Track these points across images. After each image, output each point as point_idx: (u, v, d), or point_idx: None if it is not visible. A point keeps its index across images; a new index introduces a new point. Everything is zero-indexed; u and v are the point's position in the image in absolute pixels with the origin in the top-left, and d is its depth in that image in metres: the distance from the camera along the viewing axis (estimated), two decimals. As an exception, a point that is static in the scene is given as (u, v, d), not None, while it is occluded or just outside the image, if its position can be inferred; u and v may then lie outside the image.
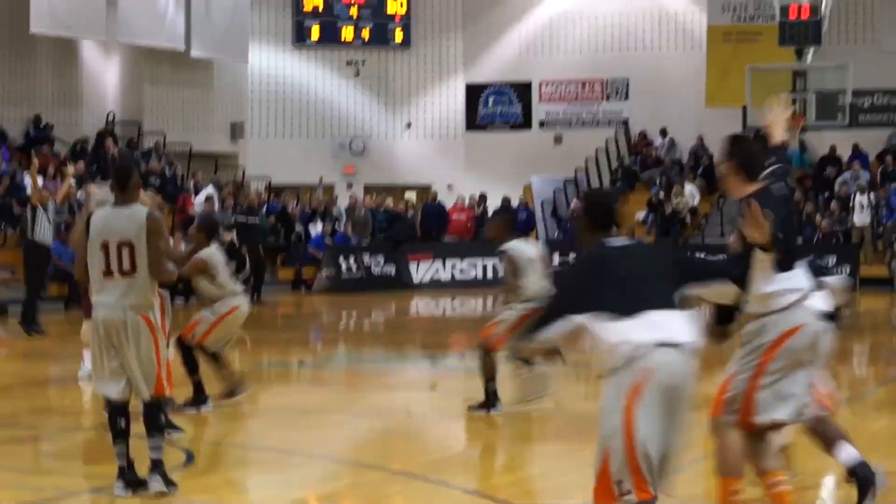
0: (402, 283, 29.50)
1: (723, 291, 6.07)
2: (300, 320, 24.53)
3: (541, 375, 11.41)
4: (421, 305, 26.70)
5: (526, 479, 9.23)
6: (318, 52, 35.84)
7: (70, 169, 19.58)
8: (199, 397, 11.42)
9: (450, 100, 36.47)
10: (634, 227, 30.49)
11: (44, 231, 18.68)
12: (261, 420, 11.96)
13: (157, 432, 8.02)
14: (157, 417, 8.07)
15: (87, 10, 27.15)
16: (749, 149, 6.69)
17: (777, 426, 6.65)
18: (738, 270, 6.17)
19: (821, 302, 6.68)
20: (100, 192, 11.00)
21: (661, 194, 31.84)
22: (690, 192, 31.63)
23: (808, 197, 30.94)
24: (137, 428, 8.03)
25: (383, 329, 23.10)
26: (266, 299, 26.41)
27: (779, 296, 6.48)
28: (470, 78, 36.35)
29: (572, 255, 21.47)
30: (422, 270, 30.20)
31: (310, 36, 35.58)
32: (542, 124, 35.83)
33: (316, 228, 30.30)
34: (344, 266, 29.18)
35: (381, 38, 35.83)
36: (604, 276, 5.77)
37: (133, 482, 7.95)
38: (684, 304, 5.84)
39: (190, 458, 9.30)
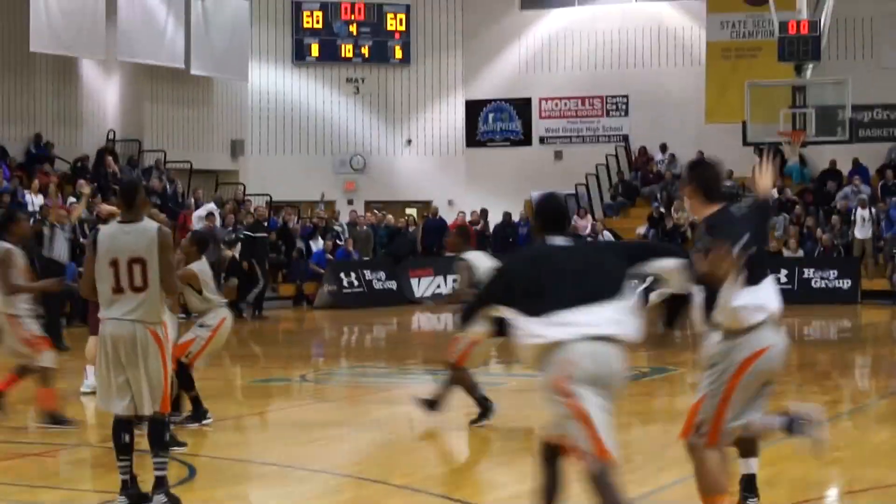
0: (403, 299, 29.53)
1: (672, 268, 6.54)
2: (302, 335, 24.56)
3: None
4: (422, 320, 26.71)
5: (528, 493, 9.21)
6: (317, 69, 35.90)
7: (86, 189, 19.71)
8: (198, 412, 11.46)
9: (450, 116, 36.52)
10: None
11: (60, 249, 18.87)
12: (263, 434, 11.98)
13: (162, 450, 8.00)
14: (161, 434, 8.02)
15: (86, 29, 27.20)
16: (707, 172, 7.02)
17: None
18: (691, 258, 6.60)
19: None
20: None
21: (662, 209, 31.90)
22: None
23: (809, 211, 31.02)
24: (141, 442, 8.03)
25: (385, 344, 23.11)
26: (268, 314, 26.46)
27: (746, 312, 6.66)
28: (470, 94, 36.40)
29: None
30: (423, 286, 30.22)
31: (310, 53, 35.64)
32: (542, 140, 35.89)
33: (317, 244, 30.34)
34: (345, 281, 29.21)
35: (380, 55, 35.90)
36: (540, 272, 6.25)
37: (135, 497, 7.95)
38: (638, 281, 6.37)
39: (192, 472, 9.31)
